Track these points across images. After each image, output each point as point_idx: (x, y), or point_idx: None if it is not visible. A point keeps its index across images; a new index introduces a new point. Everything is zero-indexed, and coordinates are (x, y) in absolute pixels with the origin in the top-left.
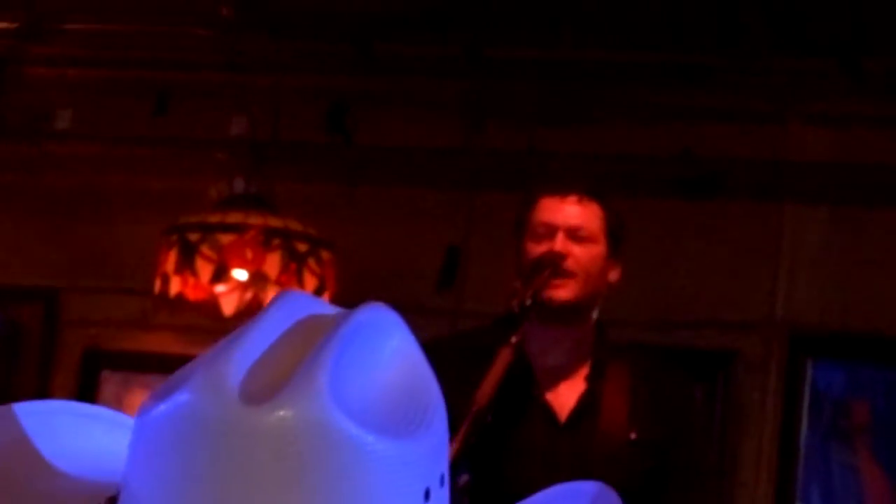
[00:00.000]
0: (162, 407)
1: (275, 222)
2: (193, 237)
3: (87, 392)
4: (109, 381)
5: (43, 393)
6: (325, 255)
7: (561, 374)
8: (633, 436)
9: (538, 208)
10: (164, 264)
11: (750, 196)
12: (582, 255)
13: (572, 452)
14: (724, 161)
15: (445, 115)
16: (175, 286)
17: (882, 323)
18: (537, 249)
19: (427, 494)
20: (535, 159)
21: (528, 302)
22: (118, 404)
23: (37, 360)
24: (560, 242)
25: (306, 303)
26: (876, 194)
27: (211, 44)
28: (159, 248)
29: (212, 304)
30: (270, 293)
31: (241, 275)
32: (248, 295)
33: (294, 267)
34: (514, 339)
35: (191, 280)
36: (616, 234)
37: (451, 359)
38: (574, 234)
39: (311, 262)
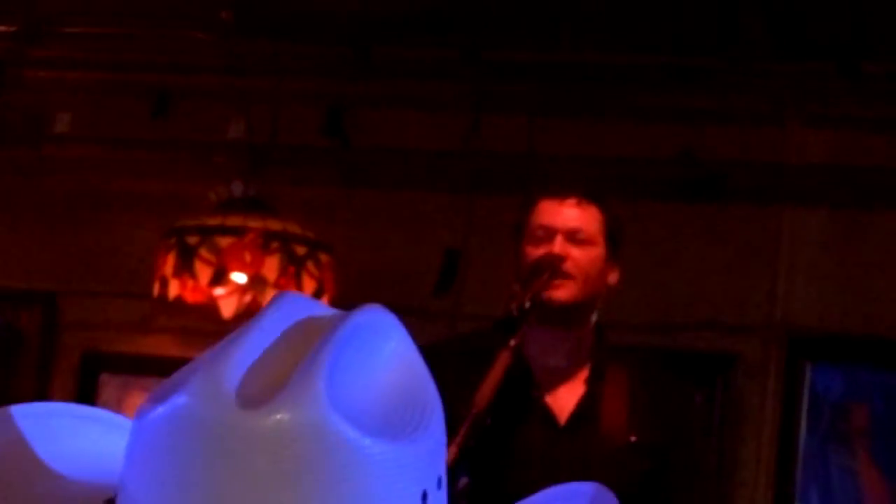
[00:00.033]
0: (159, 410)
1: (273, 225)
2: (192, 240)
3: (86, 395)
4: (108, 385)
5: (42, 396)
6: (323, 257)
7: (560, 376)
8: (632, 438)
9: (537, 211)
10: (162, 267)
11: (749, 198)
12: (580, 258)
13: (572, 455)
14: (724, 163)
15: (444, 117)
16: (174, 289)
17: (881, 326)
18: (536, 252)
19: (424, 497)
20: (535, 162)
21: (527, 305)
22: (117, 407)
23: (36, 363)
24: (559, 245)
25: (304, 305)
26: (875, 197)
27: (210, 47)
28: (158, 251)
29: (211, 307)
30: (269, 296)
31: (239, 278)
32: (247, 298)
33: (293, 270)
34: (512, 342)
35: (190, 283)
36: (615, 237)
37: (451, 362)
38: (573, 237)
39: (310, 265)
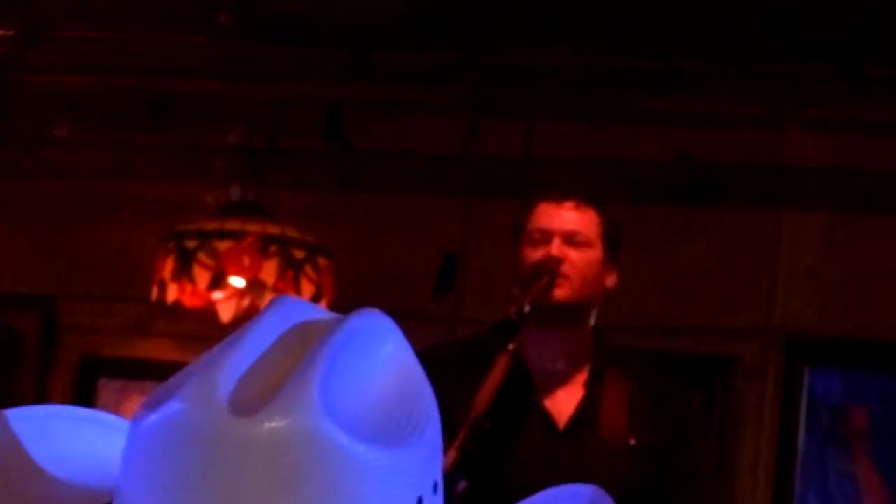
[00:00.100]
0: (154, 416)
1: (272, 229)
2: (191, 244)
3: (84, 399)
4: (107, 389)
5: (40, 400)
6: (322, 261)
7: (559, 380)
8: (632, 442)
9: (535, 214)
10: (161, 271)
11: (748, 201)
12: (578, 260)
13: (571, 459)
14: (723, 166)
15: (443, 121)
16: (172, 293)
17: (880, 329)
18: (534, 255)
19: (419, 502)
20: (533, 165)
21: (526, 309)
22: (116, 411)
23: (34, 367)
24: (556, 247)
25: (301, 308)
26: (874, 200)
27: (209, 51)
28: (156, 255)
29: (209, 311)
30: (267, 300)
31: (238, 282)
32: (246, 302)
33: (291, 274)
34: (511, 346)
35: (188, 287)
36: (613, 240)
37: (449, 366)
38: (571, 239)
39: (309, 268)
